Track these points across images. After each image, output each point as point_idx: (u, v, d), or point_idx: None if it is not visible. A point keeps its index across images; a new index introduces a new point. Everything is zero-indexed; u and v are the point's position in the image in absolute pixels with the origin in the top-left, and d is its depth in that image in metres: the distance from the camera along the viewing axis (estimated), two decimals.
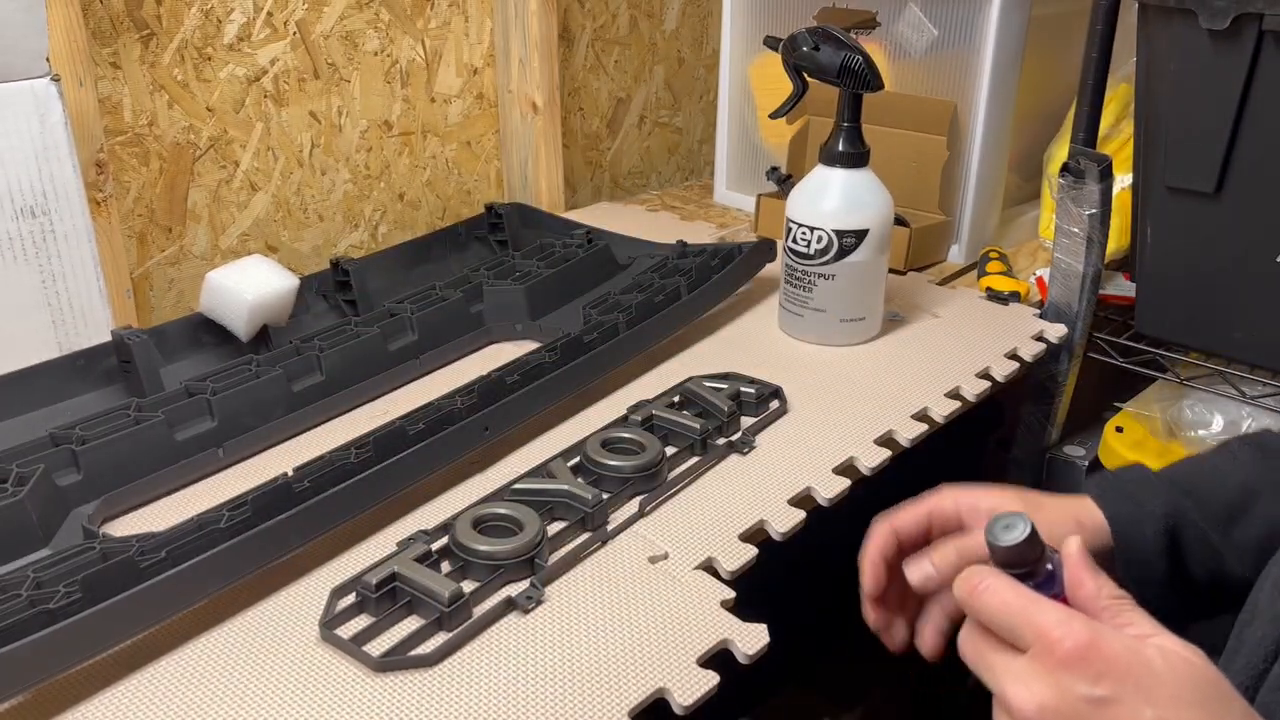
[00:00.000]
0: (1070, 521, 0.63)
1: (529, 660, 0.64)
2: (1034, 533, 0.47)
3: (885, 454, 0.85)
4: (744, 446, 0.85)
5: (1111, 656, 0.41)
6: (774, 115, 1.10)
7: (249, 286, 0.93)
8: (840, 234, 1.00)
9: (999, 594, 0.45)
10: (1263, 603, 0.51)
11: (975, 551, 0.58)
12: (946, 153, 1.23)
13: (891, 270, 1.24)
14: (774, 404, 0.90)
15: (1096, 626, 0.42)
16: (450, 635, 0.66)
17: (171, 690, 0.62)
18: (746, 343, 1.05)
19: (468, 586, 0.68)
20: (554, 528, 0.75)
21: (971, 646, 0.46)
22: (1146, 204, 1.09)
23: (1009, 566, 0.47)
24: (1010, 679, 0.43)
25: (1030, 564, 0.47)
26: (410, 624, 0.67)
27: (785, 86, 1.36)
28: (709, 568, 0.72)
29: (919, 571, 0.61)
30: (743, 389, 0.91)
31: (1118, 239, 1.17)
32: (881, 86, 0.98)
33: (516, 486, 0.79)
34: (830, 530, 0.80)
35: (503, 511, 0.75)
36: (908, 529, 0.63)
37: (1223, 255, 1.01)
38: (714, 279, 1.07)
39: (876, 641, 0.66)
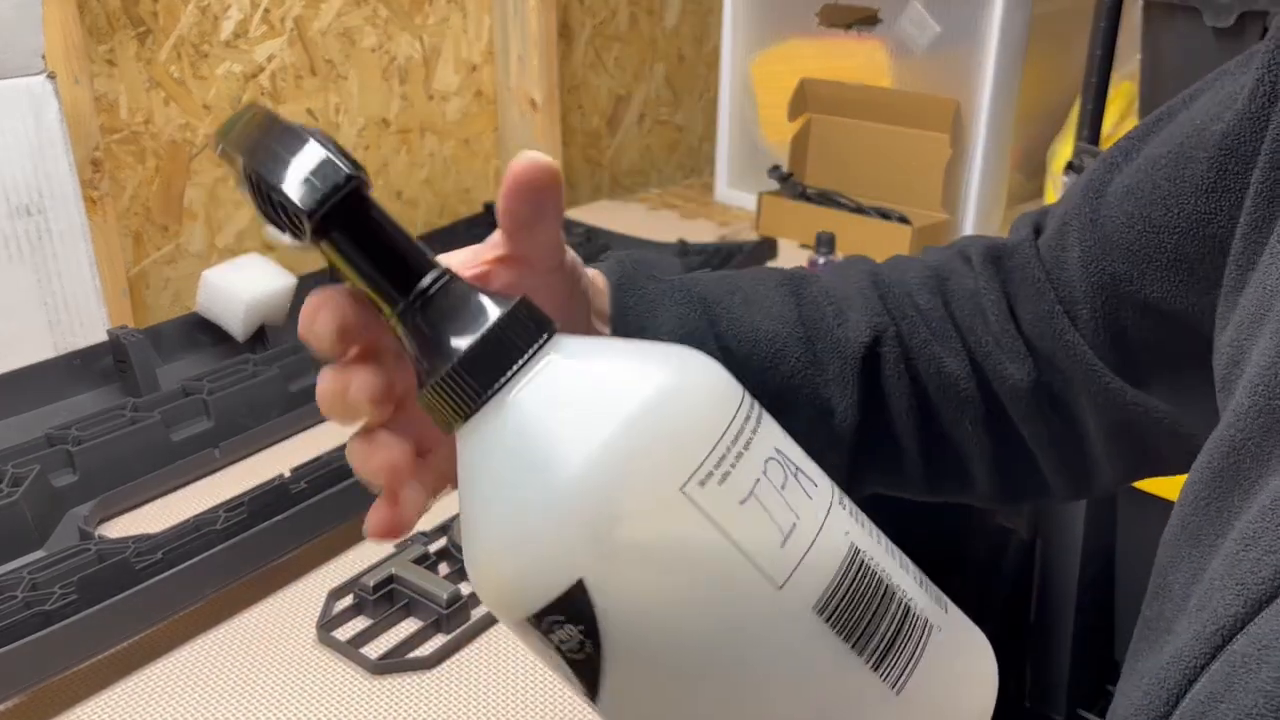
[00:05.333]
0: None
1: (528, 662, 0.63)
2: None
3: None
4: None
5: None
6: None
7: (246, 285, 0.93)
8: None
9: None
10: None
11: None
12: (949, 150, 1.23)
13: None
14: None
15: None
16: (449, 637, 0.65)
17: (167, 693, 0.61)
18: None
19: (466, 588, 0.68)
20: None
21: None
22: None
23: None
24: None
25: None
26: (408, 626, 0.66)
27: (787, 84, 1.35)
28: None
29: None
30: None
31: None
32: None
33: None
34: None
35: None
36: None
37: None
38: None
39: None
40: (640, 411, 0.27)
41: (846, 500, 0.31)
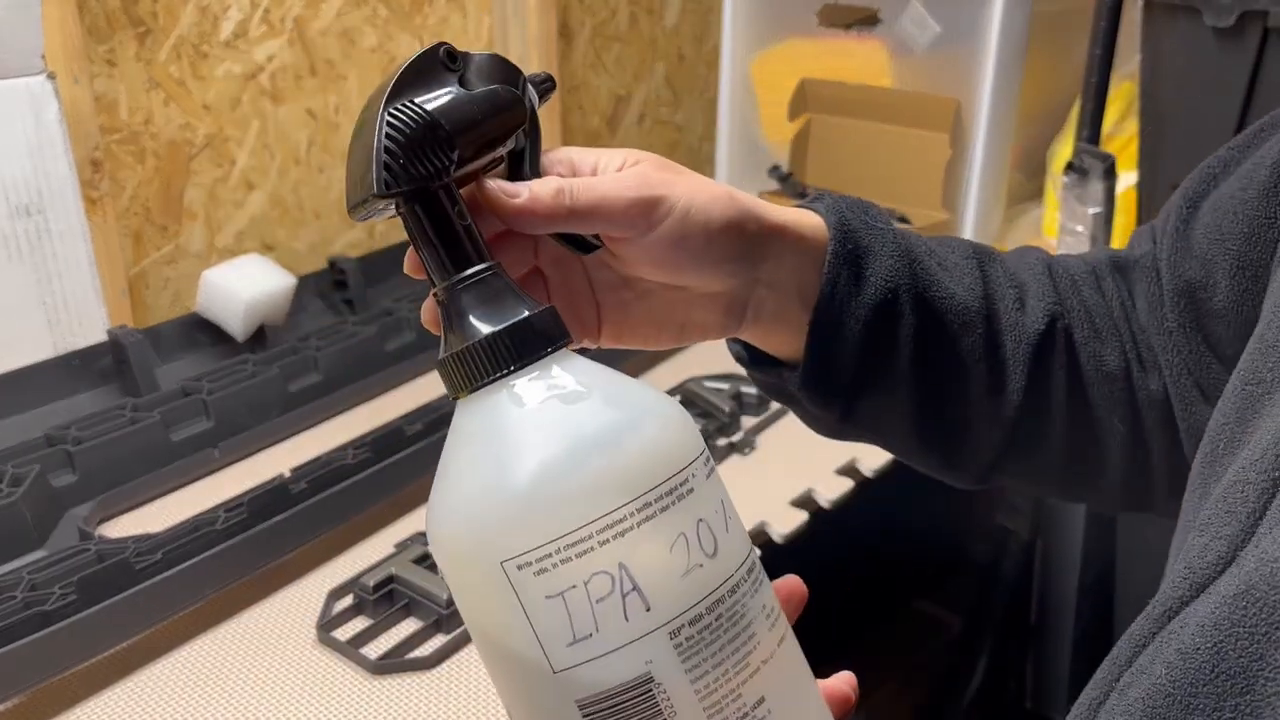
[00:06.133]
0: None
1: None
2: None
3: (889, 454, 0.84)
4: (745, 447, 0.85)
5: None
6: None
7: (245, 285, 0.93)
8: None
9: None
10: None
11: None
12: (949, 150, 1.23)
13: None
14: (776, 404, 0.90)
15: None
16: (449, 638, 0.65)
17: (167, 693, 0.61)
18: None
19: None
20: None
21: None
22: (1151, 202, 1.09)
23: None
24: None
25: None
26: (408, 626, 0.66)
27: (787, 84, 1.35)
28: None
29: None
30: (744, 389, 0.90)
31: (1122, 238, 1.17)
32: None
33: None
34: (832, 532, 0.80)
35: None
36: None
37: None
38: None
39: (878, 646, 0.65)
40: (521, 484, 0.30)
41: (691, 641, 0.31)
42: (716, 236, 0.40)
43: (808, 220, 0.44)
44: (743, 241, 0.41)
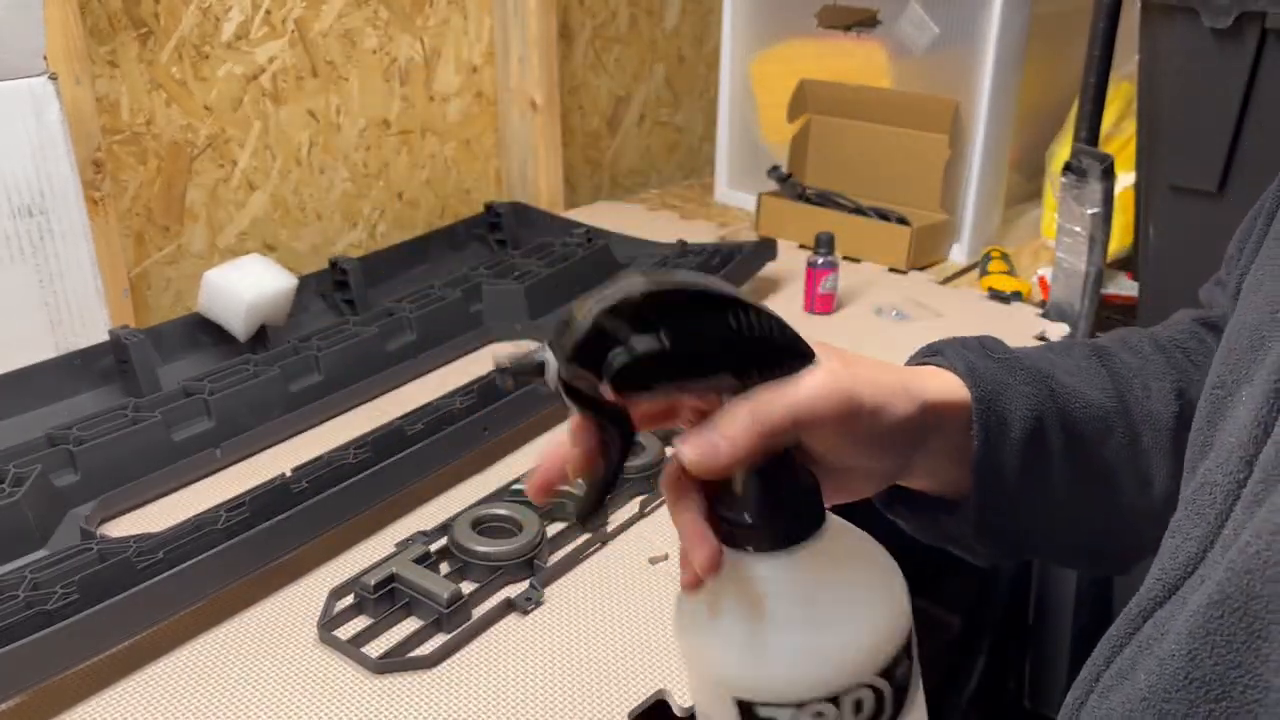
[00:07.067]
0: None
1: (528, 662, 0.64)
2: None
3: None
4: None
5: None
6: None
7: (247, 286, 0.93)
8: None
9: None
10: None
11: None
12: (948, 151, 1.23)
13: (893, 269, 1.24)
14: None
15: None
16: (449, 637, 0.65)
17: (169, 692, 0.61)
18: None
19: (467, 588, 0.68)
20: (553, 528, 0.75)
21: None
22: (1149, 203, 1.09)
23: None
24: None
25: None
26: (409, 625, 0.67)
27: (787, 85, 1.36)
28: None
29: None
30: None
31: (1120, 238, 1.17)
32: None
33: (516, 487, 0.78)
34: None
35: (502, 512, 0.74)
36: None
37: (1226, 254, 1.00)
38: None
39: None
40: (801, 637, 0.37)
41: None
42: (899, 430, 0.40)
43: (952, 386, 0.44)
44: (916, 429, 0.42)
